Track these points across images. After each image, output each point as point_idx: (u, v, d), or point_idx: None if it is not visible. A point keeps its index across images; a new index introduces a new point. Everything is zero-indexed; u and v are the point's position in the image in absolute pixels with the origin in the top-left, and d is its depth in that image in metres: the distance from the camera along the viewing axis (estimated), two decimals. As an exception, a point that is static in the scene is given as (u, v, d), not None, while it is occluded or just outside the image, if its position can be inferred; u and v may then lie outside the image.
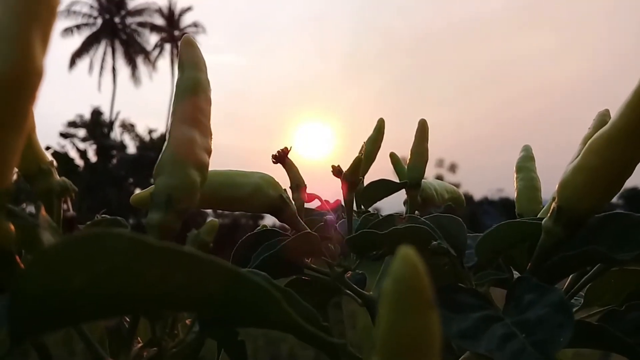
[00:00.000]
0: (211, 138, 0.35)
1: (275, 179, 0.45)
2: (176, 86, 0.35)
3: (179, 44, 0.37)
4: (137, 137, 18.14)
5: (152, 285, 0.20)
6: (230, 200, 0.42)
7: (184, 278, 0.20)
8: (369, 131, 0.59)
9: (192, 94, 0.35)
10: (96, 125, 17.01)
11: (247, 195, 0.41)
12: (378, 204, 0.62)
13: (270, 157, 0.48)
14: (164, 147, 0.33)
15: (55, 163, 0.32)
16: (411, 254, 0.16)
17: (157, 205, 0.31)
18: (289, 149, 0.47)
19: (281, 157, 0.47)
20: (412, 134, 0.52)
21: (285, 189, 0.44)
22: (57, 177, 0.32)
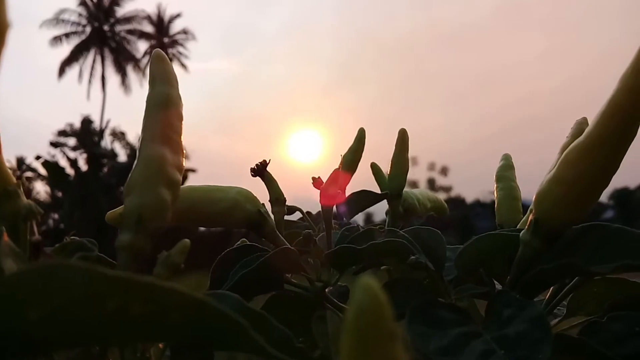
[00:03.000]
0: (183, 154, 0.34)
1: (256, 192, 0.44)
2: (146, 102, 0.34)
3: (150, 58, 0.37)
4: (127, 145, 18.06)
5: (110, 317, 0.19)
6: (208, 216, 0.41)
7: (143, 308, 0.19)
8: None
9: (162, 110, 0.34)
10: (86, 134, 16.93)
11: (225, 211, 0.41)
12: (370, 209, 0.62)
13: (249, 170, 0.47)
14: (134, 165, 0.32)
15: (22, 185, 0.31)
16: (372, 284, 0.15)
17: (127, 226, 0.30)
18: (267, 161, 0.46)
19: (260, 170, 0.46)
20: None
21: (263, 204, 0.43)
22: (24, 199, 0.31)
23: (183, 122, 0.35)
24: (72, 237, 0.32)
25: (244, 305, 0.27)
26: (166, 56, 0.36)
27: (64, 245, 0.31)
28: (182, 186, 0.38)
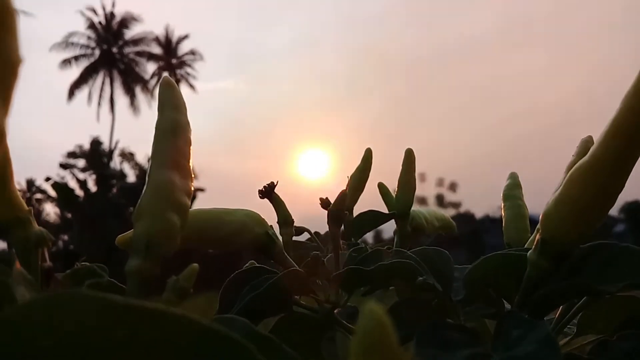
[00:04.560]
0: (192, 179, 0.35)
1: (266, 211, 0.45)
2: (155, 128, 0.35)
3: (160, 84, 0.37)
4: (136, 165, 18.19)
5: (121, 345, 0.20)
6: (216, 239, 0.41)
7: (152, 335, 0.20)
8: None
9: (171, 135, 0.34)
10: (96, 155, 17.07)
11: (232, 233, 0.41)
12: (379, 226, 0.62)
13: (258, 192, 0.48)
14: (143, 191, 0.33)
15: (33, 211, 0.32)
16: (377, 310, 0.16)
17: (136, 251, 0.31)
18: (275, 183, 0.47)
19: (267, 192, 0.47)
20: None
21: (271, 225, 0.44)
22: (36, 226, 0.31)
23: (191, 147, 0.36)
24: (82, 263, 0.32)
25: (252, 329, 0.27)
26: (174, 82, 0.37)
27: (74, 271, 0.32)
28: (190, 209, 0.38)
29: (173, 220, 0.32)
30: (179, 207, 0.32)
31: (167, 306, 0.20)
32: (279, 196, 0.47)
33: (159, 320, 0.19)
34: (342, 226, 0.50)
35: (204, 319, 0.20)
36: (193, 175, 0.36)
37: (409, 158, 0.52)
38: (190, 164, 0.35)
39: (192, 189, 0.35)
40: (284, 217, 0.46)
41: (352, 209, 0.55)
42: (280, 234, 0.46)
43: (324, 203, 0.47)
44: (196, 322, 0.20)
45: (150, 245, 0.30)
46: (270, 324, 0.43)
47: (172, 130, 0.35)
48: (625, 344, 0.33)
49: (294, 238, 0.50)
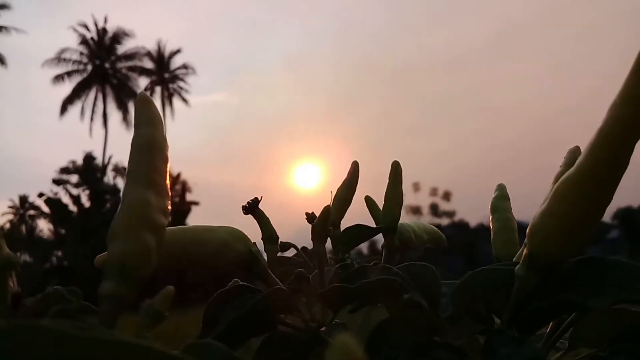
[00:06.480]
0: (168, 197, 0.34)
1: (253, 229, 0.44)
2: (131, 144, 0.34)
3: (136, 99, 0.36)
4: (130, 180, 18.10)
5: (81, 378, 0.18)
6: (197, 258, 0.40)
7: (116, 367, 0.18)
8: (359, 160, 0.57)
9: (147, 152, 0.33)
10: (89, 171, 17.00)
11: (215, 252, 0.40)
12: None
13: (244, 205, 0.47)
14: (117, 210, 0.32)
15: (4, 234, 0.31)
16: (348, 342, 0.15)
17: (110, 274, 0.29)
18: (259, 199, 0.46)
19: (251, 208, 0.45)
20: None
21: (255, 242, 0.42)
22: (6, 249, 0.30)
23: (168, 164, 0.34)
24: (54, 287, 0.31)
25: (229, 355, 0.26)
26: (150, 98, 0.36)
27: (45, 295, 0.30)
28: (170, 228, 0.37)
29: (148, 241, 0.31)
30: (155, 227, 0.31)
31: (132, 337, 0.19)
32: (262, 212, 0.46)
33: (122, 352, 0.18)
34: (330, 241, 0.49)
35: (170, 350, 0.19)
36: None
37: (396, 170, 0.51)
38: (167, 182, 0.34)
39: (169, 207, 0.34)
40: (269, 233, 0.45)
41: (339, 223, 0.54)
42: (265, 250, 0.45)
43: (310, 218, 0.46)
44: (162, 353, 0.18)
45: (125, 268, 0.29)
46: (256, 342, 0.42)
47: (148, 147, 0.34)
48: (618, 358, 0.32)
49: (282, 254, 0.49)
